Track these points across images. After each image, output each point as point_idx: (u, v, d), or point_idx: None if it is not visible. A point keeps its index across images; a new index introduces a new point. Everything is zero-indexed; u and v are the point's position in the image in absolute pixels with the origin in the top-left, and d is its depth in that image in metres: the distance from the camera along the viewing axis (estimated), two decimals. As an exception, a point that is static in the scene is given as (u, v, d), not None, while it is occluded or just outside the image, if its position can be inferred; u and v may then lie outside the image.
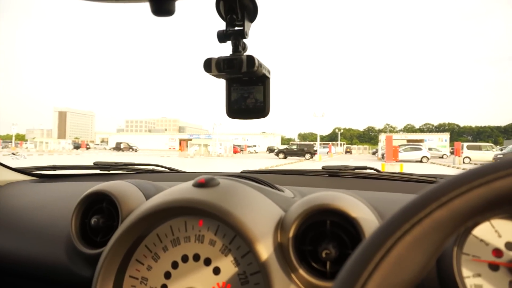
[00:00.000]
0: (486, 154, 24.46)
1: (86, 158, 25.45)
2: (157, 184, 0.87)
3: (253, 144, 57.67)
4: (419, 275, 0.29)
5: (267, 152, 50.55)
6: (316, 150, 32.11)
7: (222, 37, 0.61)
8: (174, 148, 56.80)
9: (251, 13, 0.61)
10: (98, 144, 63.68)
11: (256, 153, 51.47)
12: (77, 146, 51.45)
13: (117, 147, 47.54)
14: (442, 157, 33.71)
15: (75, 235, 0.82)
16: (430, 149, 33.50)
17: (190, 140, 46.96)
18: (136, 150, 46.95)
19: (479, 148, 26.49)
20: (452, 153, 31.36)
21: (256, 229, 0.59)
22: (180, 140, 53.21)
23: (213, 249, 0.65)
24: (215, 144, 38.13)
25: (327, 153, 38.52)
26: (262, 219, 0.62)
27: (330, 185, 1.08)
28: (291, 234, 0.60)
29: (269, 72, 0.65)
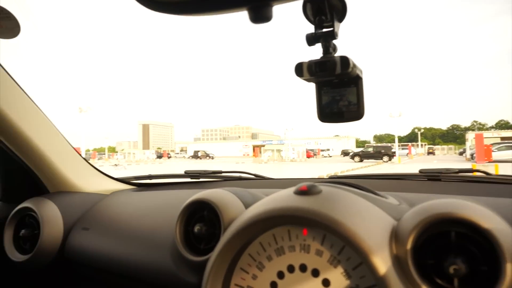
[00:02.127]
0: None
1: (169, 166, 27.24)
2: (252, 192, 0.87)
3: (327, 147, 56.60)
4: None
5: (342, 155, 49.26)
6: (394, 152, 30.50)
7: (311, 40, 0.59)
8: (248, 155, 58.18)
9: (340, 13, 0.59)
10: (178, 153, 67.83)
11: (330, 156, 50.42)
12: (159, 156, 55.32)
13: (195, 155, 50.14)
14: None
15: (180, 242, 0.84)
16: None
17: (263, 146, 47.67)
18: (212, 158, 49.08)
19: None
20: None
21: (370, 240, 0.55)
22: (254, 147, 54.32)
23: (321, 259, 0.61)
24: (288, 149, 38.21)
25: (406, 155, 36.44)
26: (374, 228, 0.58)
27: (431, 190, 0.98)
28: (409, 246, 0.54)
29: (361, 72, 0.62)
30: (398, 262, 0.55)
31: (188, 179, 1.48)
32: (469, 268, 0.52)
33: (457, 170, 1.10)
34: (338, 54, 0.59)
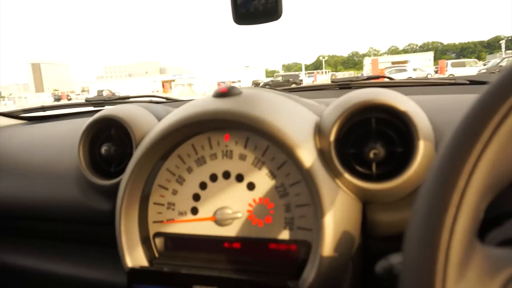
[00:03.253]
0: (470, 70, 24.61)
1: (69, 109, 24.73)
2: (167, 108, 0.79)
3: (238, 79, 56.64)
4: None
5: (253, 86, 49.83)
6: (301, 80, 31.84)
7: None
8: (157, 91, 55.55)
9: None
10: (79, 94, 61.81)
11: (242, 88, 50.57)
12: (57, 98, 49.86)
13: (100, 95, 46.25)
14: (426, 77, 33.80)
15: (85, 166, 0.74)
16: (414, 69, 33.49)
17: (173, 81, 45.84)
18: (119, 97, 45.72)
19: (463, 64, 26.58)
20: (436, 72, 31.47)
21: (294, 135, 0.54)
22: (163, 82, 51.84)
23: (244, 163, 0.60)
24: (199, 82, 37.37)
25: (312, 82, 38.31)
26: (297, 124, 0.58)
27: None
28: (332, 137, 0.55)
29: None
30: (322, 154, 0.56)
31: (91, 108, 1.32)
32: (386, 151, 0.55)
33: (365, 77, 1.14)
34: None
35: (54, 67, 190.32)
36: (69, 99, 50.83)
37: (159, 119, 0.73)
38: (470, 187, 0.25)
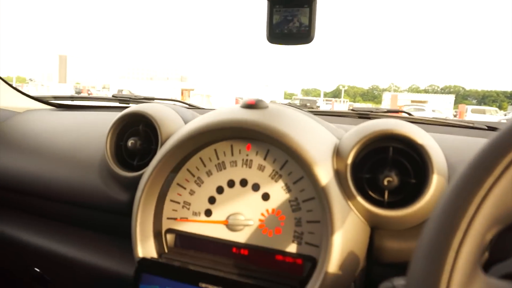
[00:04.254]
0: (490, 118, 24.34)
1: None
2: (193, 112, 0.83)
3: (256, 97, 56.99)
4: None
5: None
6: (318, 106, 32.00)
7: None
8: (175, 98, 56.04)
9: None
10: (99, 90, 63.03)
11: (258, 106, 50.86)
12: (78, 92, 50.83)
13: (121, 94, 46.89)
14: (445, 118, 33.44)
15: (110, 157, 0.77)
16: (433, 110, 33.32)
17: (193, 90, 46.51)
18: (137, 98, 46.33)
19: (483, 112, 26.40)
20: (455, 116, 31.34)
21: (314, 153, 0.56)
22: (182, 90, 52.64)
23: (262, 174, 0.62)
24: (217, 95, 37.84)
25: (329, 110, 38.37)
26: (318, 143, 0.60)
27: None
28: (349, 160, 0.57)
29: None
30: (338, 175, 0.58)
31: (117, 104, 1.37)
32: (400, 181, 0.57)
33: (385, 110, 1.17)
34: None
35: (80, 61, 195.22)
36: (90, 94, 51.86)
37: (186, 121, 0.76)
38: (479, 216, 0.26)
